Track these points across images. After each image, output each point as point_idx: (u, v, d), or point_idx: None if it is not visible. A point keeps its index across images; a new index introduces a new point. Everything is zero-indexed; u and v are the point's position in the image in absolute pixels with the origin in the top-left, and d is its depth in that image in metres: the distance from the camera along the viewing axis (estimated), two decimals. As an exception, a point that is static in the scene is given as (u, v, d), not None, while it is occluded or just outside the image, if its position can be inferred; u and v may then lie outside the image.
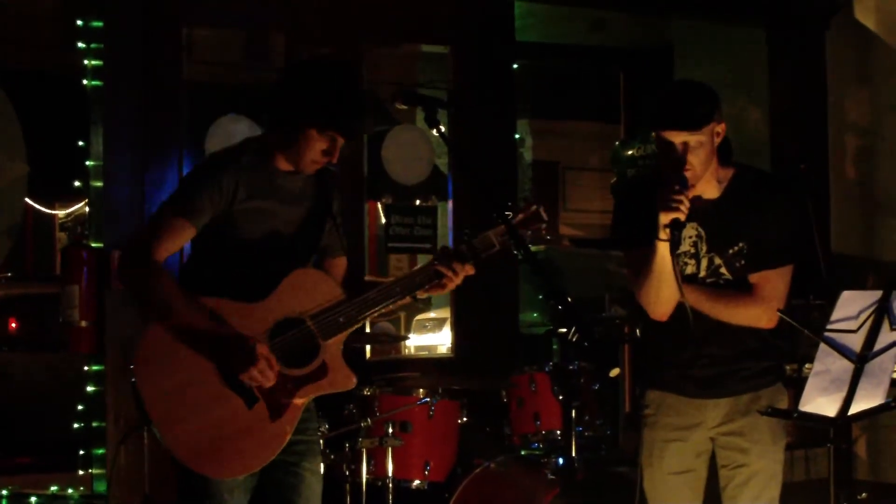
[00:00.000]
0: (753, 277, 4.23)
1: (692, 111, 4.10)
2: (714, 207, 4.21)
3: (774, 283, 4.26)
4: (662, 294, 4.15)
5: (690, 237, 4.25)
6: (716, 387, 4.29)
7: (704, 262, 4.25)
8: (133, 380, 3.80)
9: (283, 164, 3.99)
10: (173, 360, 3.80)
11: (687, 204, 4.02)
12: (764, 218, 4.25)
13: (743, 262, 4.22)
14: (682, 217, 4.01)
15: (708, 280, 4.25)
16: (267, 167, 3.97)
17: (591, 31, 9.30)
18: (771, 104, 8.99)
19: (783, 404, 4.40)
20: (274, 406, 3.86)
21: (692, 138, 4.08)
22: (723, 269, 4.24)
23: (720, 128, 4.17)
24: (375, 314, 4.02)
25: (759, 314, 4.23)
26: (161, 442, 3.81)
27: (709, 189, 4.26)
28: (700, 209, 4.21)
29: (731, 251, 4.21)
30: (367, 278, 4.26)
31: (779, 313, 4.19)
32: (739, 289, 4.24)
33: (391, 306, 4.03)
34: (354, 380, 4.01)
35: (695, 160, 4.10)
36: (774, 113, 8.98)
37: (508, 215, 3.98)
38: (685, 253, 4.25)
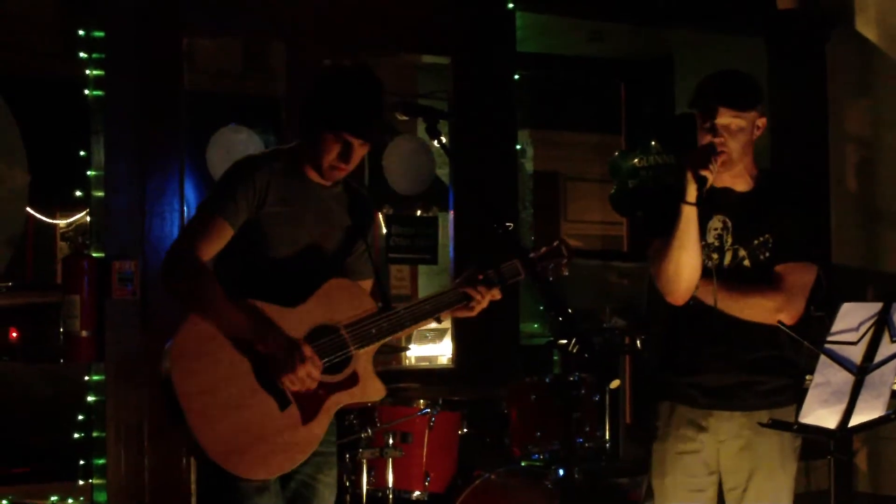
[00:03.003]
0: (778, 268, 4.22)
1: (743, 91, 4.21)
2: (743, 200, 4.22)
3: (798, 275, 4.24)
4: (684, 263, 4.10)
5: (716, 229, 4.25)
6: (728, 398, 4.26)
7: (729, 255, 4.24)
8: (167, 375, 3.78)
9: (313, 175, 4.03)
10: (209, 357, 3.79)
11: (716, 165, 4.04)
12: (791, 213, 4.27)
13: (767, 254, 4.21)
14: (711, 177, 4.01)
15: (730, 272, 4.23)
16: (298, 174, 4.02)
17: (591, 42, 9.31)
18: (771, 115, 8.95)
19: None
20: (306, 410, 3.88)
21: (735, 121, 4.14)
22: (746, 262, 4.23)
23: (761, 122, 4.25)
24: (406, 330, 4.09)
25: (779, 305, 4.20)
26: (193, 438, 3.77)
27: (740, 184, 4.29)
28: (729, 202, 4.23)
29: (756, 241, 4.20)
30: (394, 305, 4.29)
31: (779, 325, 4.19)
32: (759, 280, 4.22)
33: (420, 323, 4.11)
34: (384, 391, 4.08)
35: (733, 144, 4.15)
36: (775, 124, 8.96)
37: (532, 251, 4.21)
38: (709, 245, 4.24)
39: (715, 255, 4.23)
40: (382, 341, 4.02)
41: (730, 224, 4.21)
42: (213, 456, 3.77)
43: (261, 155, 4.09)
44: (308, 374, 3.78)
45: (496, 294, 4.07)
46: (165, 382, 3.79)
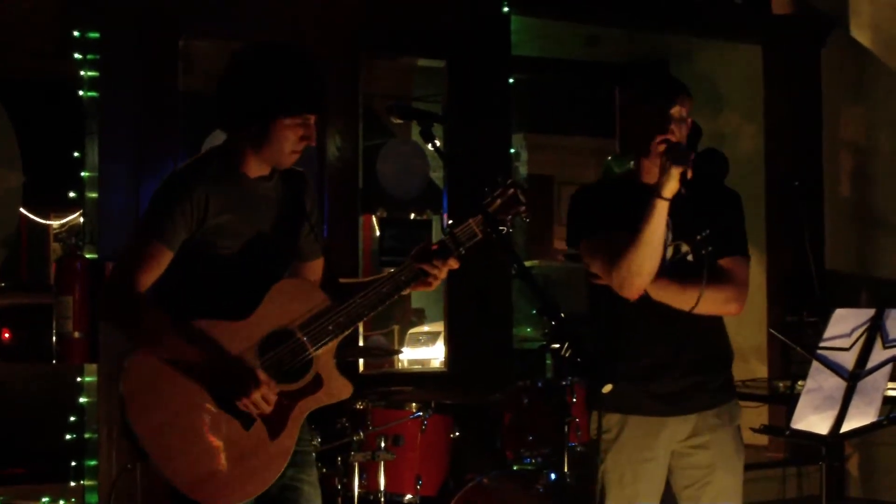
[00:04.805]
0: (722, 262, 4.19)
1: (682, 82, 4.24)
2: (680, 196, 4.08)
3: (742, 268, 4.23)
4: (650, 258, 4.04)
5: None
6: (682, 402, 4.22)
7: (670, 251, 4.20)
8: (123, 415, 3.68)
9: (255, 169, 3.87)
10: (163, 390, 3.68)
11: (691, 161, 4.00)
12: (724, 208, 4.28)
13: (710, 248, 4.18)
14: (689, 173, 3.97)
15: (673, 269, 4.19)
16: (236, 176, 3.85)
17: (586, 46, 9.32)
18: (766, 121, 9.01)
19: (741, 420, 4.38)
20: (272, 425, 3.76)
21: (684, 112, 4.15)
22: (690, 257, 4.20)
23: (690, 120, 4.26)
24: (364, 318, 3.92)
25: (730, 297, 4.17)
26: (161, 475, 3.68)
27: None
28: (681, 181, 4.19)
29: (698, 237, 4.16)
30: (342, 280, 4.17)
31: (772, 331, 4.19)
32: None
33: (378, 308, 3.91)
34: (351, 388, 3.92)
35: (681, 134, 4.14)
36: (769, 129, 9.00)
37: (487, 201, 3.92)
38: None
39: None
40: (342, 335, 3.86)
41: (668, 221, 4.17)
42: (185, 490, 3.67)
43: (192, 167, 3.88)
44: (263, 396, 3.66)
45: (453, 263, 3.89)
46: (123, 421, 3.69)
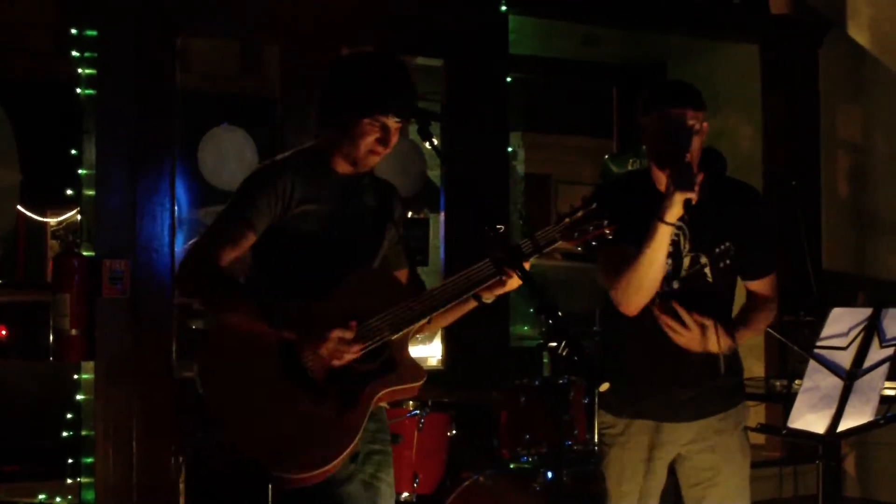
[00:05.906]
0: (758, 284, 4.26)
1: (695, 91, 4.19)
2: (699, 206, 4.06)
3: (775, 282, 4.31)
4: (650, 278, 4.06)
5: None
6: (689, 409, 4.23)
7: (686, 261, 4.19)
8: (198, 387, 3.77)
9: (342, 166, 4.00)
10: (237, 362, 3.78)
11: (698, 186, 3.98)
12: (752, 221, 4.25)
13: (728, 262, 4.17)
14: (695, 198, 3.96)
15: (688, 280, 4.19)
16: (324, 170, 3.99)
17: (584, 45, 9.32)
18: (764, 120, 9.01)
19: (748, 422, 4.38)
20: (342, 400, 3.80)
21: (696, 122, 4.11)
22: (707, 270, 4.19)
23: (705, 125, 4.20)
24: (440, 311, 3.94)
25: (773, 315, 4.27)
26: (231, 445, 3.75)
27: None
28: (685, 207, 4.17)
29: (717, 250, 4.16)
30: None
31: (769, 330, 4.19)
32: (717, 294, 4.21)
33: (453, 303, 3.93)
34: (424, 374, 3.95)
35: (695, 145, 4.11)
36: (767, 129, 9.00)
37: (568, 213, 3.90)
38: None
39: (668, 261, 4.15)
40: (419, 324, 3.90)
41: (686, 230, 4.16)
42: (256, 459, 3.73)
43: (282, 159, 4.02)
44: (341, 337, 3.69)
45: (526, 267, 3.81)
46: (197, 394, 3.77)
